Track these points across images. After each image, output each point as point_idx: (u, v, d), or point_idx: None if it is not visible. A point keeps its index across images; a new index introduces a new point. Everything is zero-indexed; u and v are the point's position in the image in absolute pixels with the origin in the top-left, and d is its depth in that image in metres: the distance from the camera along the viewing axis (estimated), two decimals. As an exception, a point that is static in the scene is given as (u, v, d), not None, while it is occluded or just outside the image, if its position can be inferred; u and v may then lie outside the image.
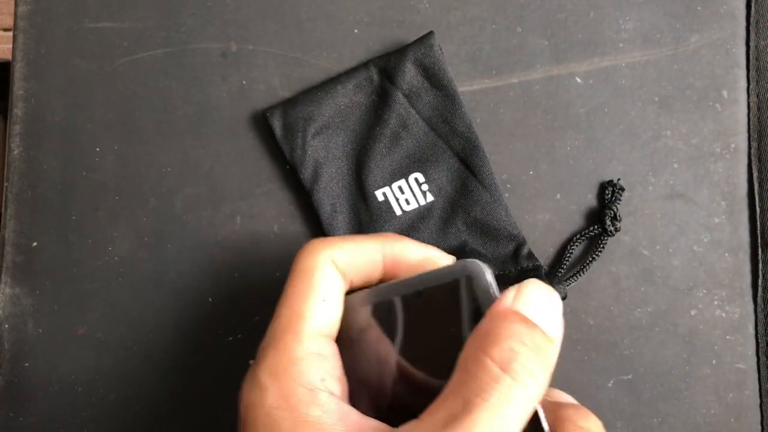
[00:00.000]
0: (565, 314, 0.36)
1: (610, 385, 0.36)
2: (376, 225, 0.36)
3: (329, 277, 0.26)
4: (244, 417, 0.24)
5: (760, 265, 0.36)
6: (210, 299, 0.37)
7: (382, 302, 0.26)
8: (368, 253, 0.27)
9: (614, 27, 0.38)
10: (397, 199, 0.36)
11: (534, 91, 0.38)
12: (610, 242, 0.36)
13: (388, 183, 0.36)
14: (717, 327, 0.36)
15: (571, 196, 0.37)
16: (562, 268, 0.36)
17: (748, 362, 0.36)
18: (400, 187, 0.36)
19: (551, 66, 0.38)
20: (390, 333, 0.26)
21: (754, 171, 0.37)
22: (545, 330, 0.22)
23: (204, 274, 0.37)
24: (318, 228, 0.36)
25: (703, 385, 0.36)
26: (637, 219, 0.37)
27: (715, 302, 0.37)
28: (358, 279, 0.27)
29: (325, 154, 0.36)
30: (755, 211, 0.37)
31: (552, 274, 0.35)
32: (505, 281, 0.34)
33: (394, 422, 0.23)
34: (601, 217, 0.36)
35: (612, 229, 0.35)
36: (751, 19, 0.38)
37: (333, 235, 0.36)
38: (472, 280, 0.24)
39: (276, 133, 0.36)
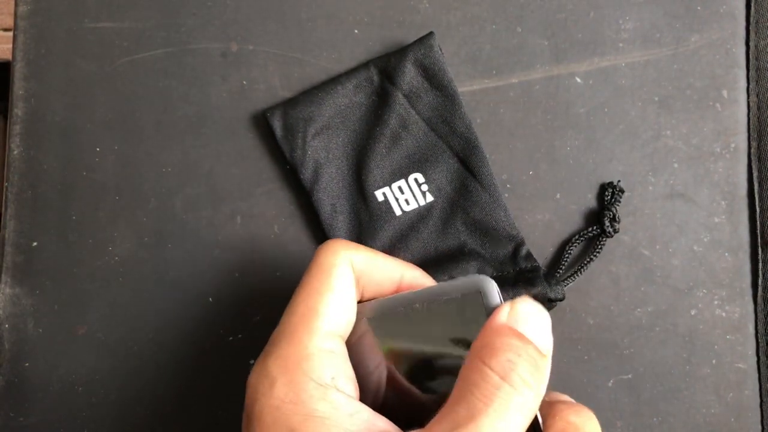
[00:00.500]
0: (565, 314, 0.36)
1: (610, 384, 0.36)
2: (376, 225, 0.36)
3: (346, 277, 0.26)
4: (250, 407, 0.24)
5: (760, 264, 0.36)
6: (210, 299, 0.37)
7: (390, 312, 0.27)
8: (388, 267, 0.28)
9: (614, 27, 0.38)
10: (396, 200, 0.36)
11: (534, 91, 0.38)
12: (610, 242, 0.36)
13: (388, 183, 0.36)
14: (717, 327, 0.36)
15: (571, 196, 0.37)
16: (561, 268, 0.36)
17: (748, 362, 0.36)
18: (399, 188, 0.36)
19: (551, 66, 0.38)
20: (394, 342, 0.26)
21: (754, 171, 0.37)
22: (537, 344, 0.23)
23: (204, 274, 0.37)
24: (318, 228, 0.36)
25: (703, 385, 0.36)
26: (637, 219, 0.37)
27: (715, 302, 0.37)
28: (370, 289, 0.27)
29: (325, 155, 0.36)
30: (755, 210, 0.37)
31: (550, 275, 0.35)
32: (503, 282, 0.35)
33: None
34: (600, 218, 0.36)
35: (611, 230, 0.36)
36: (751, 19, 0.38)
37: (333, 235, 0.36)
38: (480, 296, 0.25)
39: (276, 134, 0.36)
